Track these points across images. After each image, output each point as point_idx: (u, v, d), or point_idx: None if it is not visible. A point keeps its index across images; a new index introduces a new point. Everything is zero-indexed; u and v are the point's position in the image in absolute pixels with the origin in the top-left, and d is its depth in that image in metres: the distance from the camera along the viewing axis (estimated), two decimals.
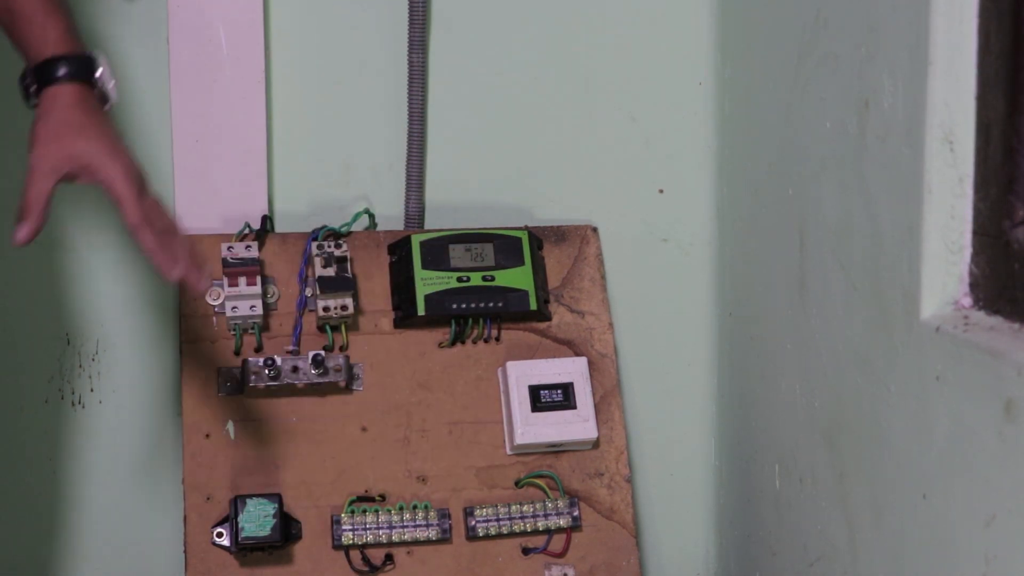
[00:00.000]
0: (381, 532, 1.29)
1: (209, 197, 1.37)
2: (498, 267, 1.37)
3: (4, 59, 1.34)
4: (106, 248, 1.38)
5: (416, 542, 1.30)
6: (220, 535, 1.27)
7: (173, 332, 1.37)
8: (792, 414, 1.22)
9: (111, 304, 1.38)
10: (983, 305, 0.92)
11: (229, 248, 1.31)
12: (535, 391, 1.34)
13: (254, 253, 1.32)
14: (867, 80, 1.03)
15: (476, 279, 1.35)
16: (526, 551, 1.33)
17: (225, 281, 1.30)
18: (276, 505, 1.26)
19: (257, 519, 1.25)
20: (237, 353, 1.31)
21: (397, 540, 1.29)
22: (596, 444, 1.36)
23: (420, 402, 1.34)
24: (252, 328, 1.31)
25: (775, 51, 1.25)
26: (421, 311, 1.33)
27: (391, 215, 1.42)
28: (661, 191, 1.48)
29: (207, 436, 1.30)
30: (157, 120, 1.37)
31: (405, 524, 1.29)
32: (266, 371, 1.28)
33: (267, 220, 1.36)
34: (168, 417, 1.39)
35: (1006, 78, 0.89)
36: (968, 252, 0.93)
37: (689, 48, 1.46)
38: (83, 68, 1.04)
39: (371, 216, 1.40)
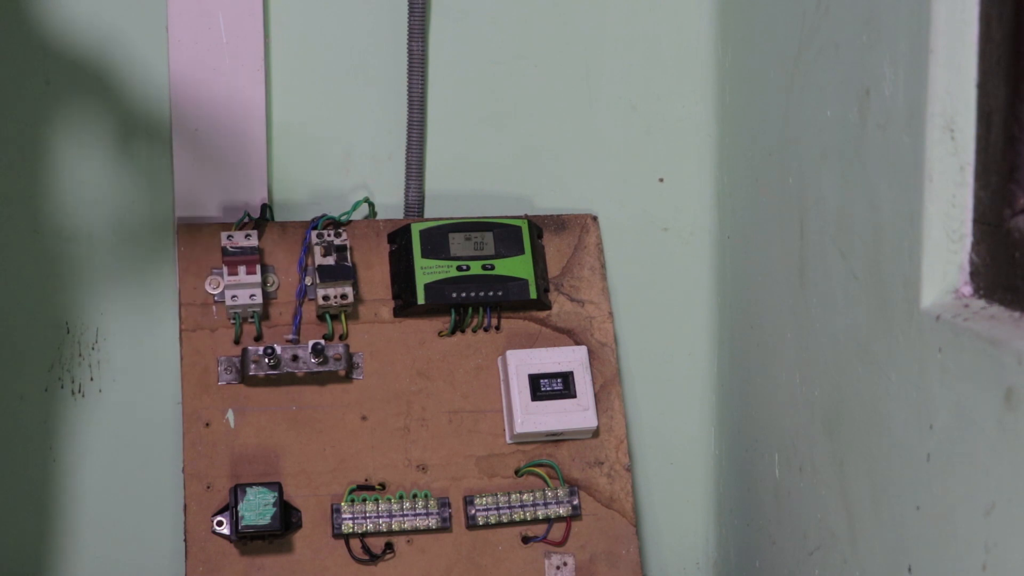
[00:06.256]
0: (381, 521, 1.29)
1: (208, 186, 1.37)
2: (498, 256, 1.36)
3: (3, 59, 1.34)
4: (105, 237, 1.38)
5: (416, 531, 1.31)
6: (220, 524, 1.27)
7: (172, 321, 1.37)
8: (792, 403, 1.22)
9: (110, 293, 1.38)
10: (983, 294, 0.92)
11: (229, 237, 1.31)
12: (535, 380, 1.34)
13: (254, 242, 1.32)
14: (868, 68, 1.02)
15: (476, 268, 1.35)
16: (526, 540, 1.33)
17: (225, 270, 1.30)
18: (276, 494, 1.26)
19: (257, 508, 1.25)
20: (237, 342, 1.32)
21: (397, 529, 1.29)
22: (596, 433, 1.36)
23: (420, 391, 1.34)
24: (252, 317, 1.31)
25: (776, 39, 1.25)
26: (421, 300, 1.33)
27: (391, 204, 1.42)
28: (661, 180, 1.48)
29: (207, 425, 1.30)
30: (156, 108, 1.37)
31: (405, 513, 1.30)
32: (266, 360, 1.28)
33: (267, 209, 1.36)
34: (168, 406, 1.39)
35: (1007, 66, 0.89)
36: (969, 241, 0.93)
37: (689, 36, 1.45)
38: None
39: (371, 205, 1.40)
